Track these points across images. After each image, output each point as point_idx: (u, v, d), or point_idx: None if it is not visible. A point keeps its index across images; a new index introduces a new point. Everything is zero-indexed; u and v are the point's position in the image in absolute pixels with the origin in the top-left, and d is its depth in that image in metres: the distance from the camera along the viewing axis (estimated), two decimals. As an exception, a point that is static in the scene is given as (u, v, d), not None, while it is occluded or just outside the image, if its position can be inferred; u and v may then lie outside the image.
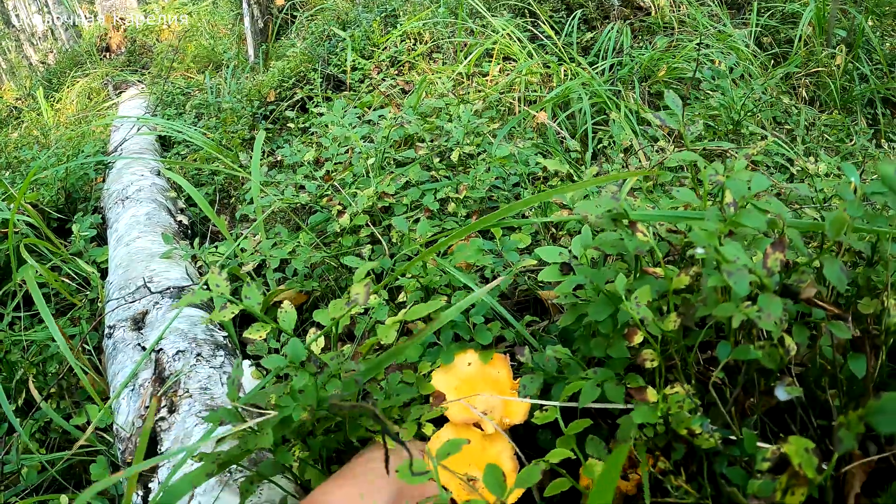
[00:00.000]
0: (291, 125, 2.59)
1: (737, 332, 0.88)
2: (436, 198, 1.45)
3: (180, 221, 2.22)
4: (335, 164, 1.67)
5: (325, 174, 1.68)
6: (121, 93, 6.13)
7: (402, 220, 1.27)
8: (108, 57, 8.10)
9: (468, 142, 1.65)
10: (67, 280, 2.20)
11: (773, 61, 3.35)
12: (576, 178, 1.71)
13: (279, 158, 2.51)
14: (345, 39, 3.17)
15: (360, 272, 1.10)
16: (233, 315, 0.91)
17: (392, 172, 1.52)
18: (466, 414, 0.98)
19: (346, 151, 1.71)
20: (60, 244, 2.32)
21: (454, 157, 1.56)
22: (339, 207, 1.47)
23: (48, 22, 17.90)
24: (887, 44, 3.58)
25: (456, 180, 1.56)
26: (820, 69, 3.21)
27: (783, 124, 2.44)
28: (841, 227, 0.77)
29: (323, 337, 1.06)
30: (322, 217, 1.51)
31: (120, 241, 2.06)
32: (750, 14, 3.75)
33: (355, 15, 3.56)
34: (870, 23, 3.59)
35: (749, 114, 2.10)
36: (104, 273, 2.23)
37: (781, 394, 0.80)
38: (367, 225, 1.35)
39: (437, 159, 1.63)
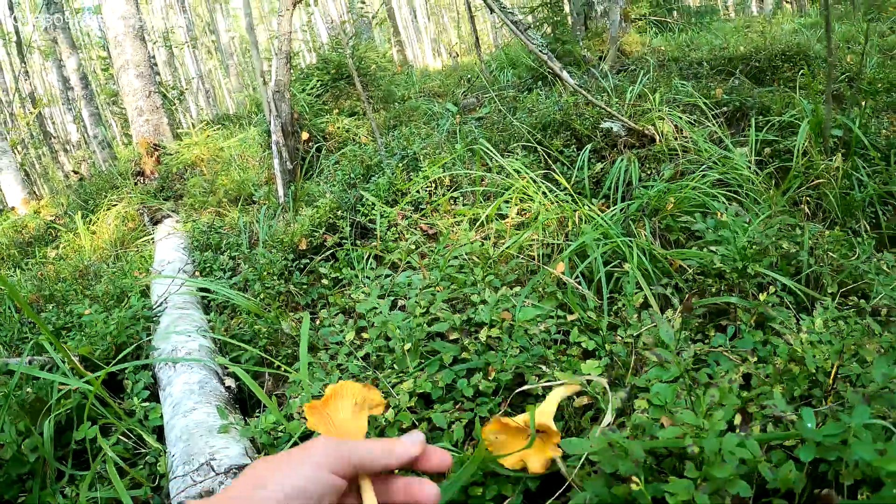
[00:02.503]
0: (325, 281, 2.78)
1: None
2: (469, 383, 1.61)
3: (229, 387, 2.39)
4: (374, 346, 1.84)
5: (365, 355, 1.85)
6: (156, 222, 6.45)
7: (441, 416, 1.44)
8: (142, 181, 8.46)
9: (495, 318, 1.81)
10: (123, 438, 2.36)
11: (773, 181, 3.52)
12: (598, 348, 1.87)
13: (316, 316, 2.70)
14: (370, 188, 3.40)
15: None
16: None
17: (423, 360, 1.69)
18: None
19: (381, 335, 1.89)
20: (116, 403, 2.49)
21: (482, 337, 1.73)
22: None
23: (81, 130, 18.74)
24: (883, 132, 3.75)
25: (484, 359, 1.72)
26: (820, 181, 3.38)
27: (790, 258, 2.59)
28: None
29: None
30: (366, 403, 1.67)
31: (177, 409, 2.22)
32: (748, 129, 3.97)
33: (378, 160, 3.82)
34: (865, 103, 3.78)
35: (753, 261, 2.26)
36: (158, 432, 2.39)
37: None
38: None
39: (466, 339, 1.79)
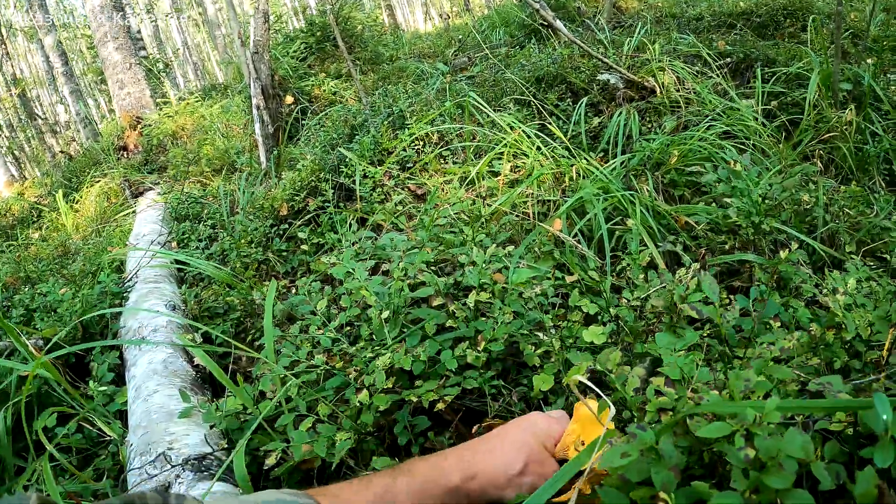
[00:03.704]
0: (305, 247, 2.57)
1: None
2: (453, 354, 1.41)
3: (197, 365, 2.19)
4: (349, 316, 1.64)
5: (340, 326, 1.64)
6: (138, 196, 6.22)
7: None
8: (125, 156, 8.21)
9: (486, 280, 1.61)
10: (87, 425, 2.17)
11: (783, 134, 3.31)
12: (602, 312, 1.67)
13: (294, 284, 2.49)
14: (354, 148, 3.18)
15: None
16: None
17: (405, 331, 1.49)
18: None
19: (359, 303, 1.68)
20: (78, 391, 2.29)
21: (470, 302, 1.53)
22: (356, 374, 1.43)
23: (68, 111, 18.49)
24: (893, 88, 3.54)
25: (473, 327, 1.52)
26: (832, 134, 3.17)
27: (804, 214, 2.39)
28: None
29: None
30: (339, 381, 1.47)
31: (139, 393, 2.02)
32: (753, 81, 3.73)
33: (363, 119, 3.59)
34: (870, 60, 3.56)
35: (769, 215, 2.05)
36: (123, 415, 2.20)
37: None
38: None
39: (452, 304, 1.59)
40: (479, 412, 1.51)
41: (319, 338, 1.61)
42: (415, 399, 1.35)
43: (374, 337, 1.60)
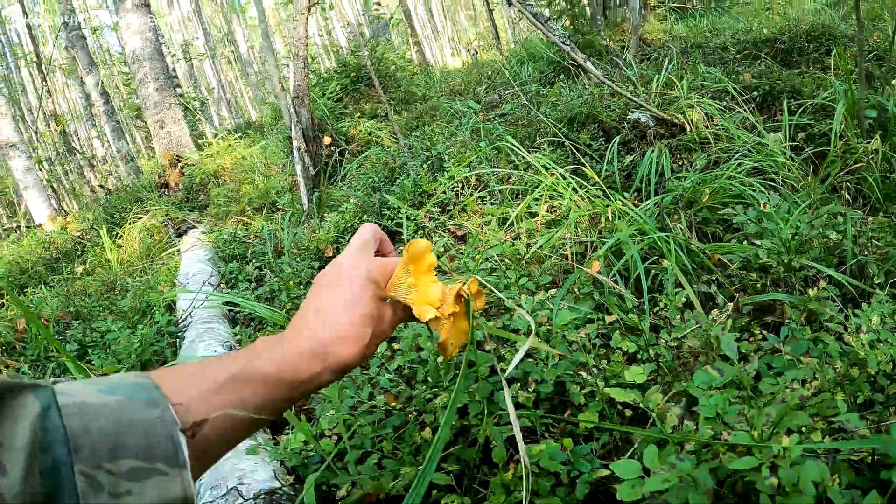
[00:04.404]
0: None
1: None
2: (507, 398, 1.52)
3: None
4: (406, 360, 1.76)
5: (396, 368, 1.77)
6: (181, 234, 6.43)
7: (479, 431, 1.36)
8: (166, 193, 8.48)
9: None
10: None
11: (810, 166, 3.39)
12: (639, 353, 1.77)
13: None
14: (395, 191, 3.33)
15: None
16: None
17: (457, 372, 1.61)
18: None
19: (413, 347, 1.81)
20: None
21: (519, 346, 1.64)
22: (416, 414, 1.55)
23: (106, 145, 18.97)
24: None
25: (522, 369, 1.63)
26: (859, 165, 3.24)
27: (833, 248, 2.47)
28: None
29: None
30: (400, 420, 1.59)
31: (205, 429, 2.16)
32: (780, 114, 3.83)
33: (402, 161, 3.74)
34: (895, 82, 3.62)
35: (798, 253, 2.15)
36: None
37: None
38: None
39: (502, 348, 1.70)
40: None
41: (378, 379, 1.73)
42: (482, 437, 1.46)
43: (429, 378, 1.72)
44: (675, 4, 12.10)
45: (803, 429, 1.09)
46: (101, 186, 16.96)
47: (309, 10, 4.86)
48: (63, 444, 0.57)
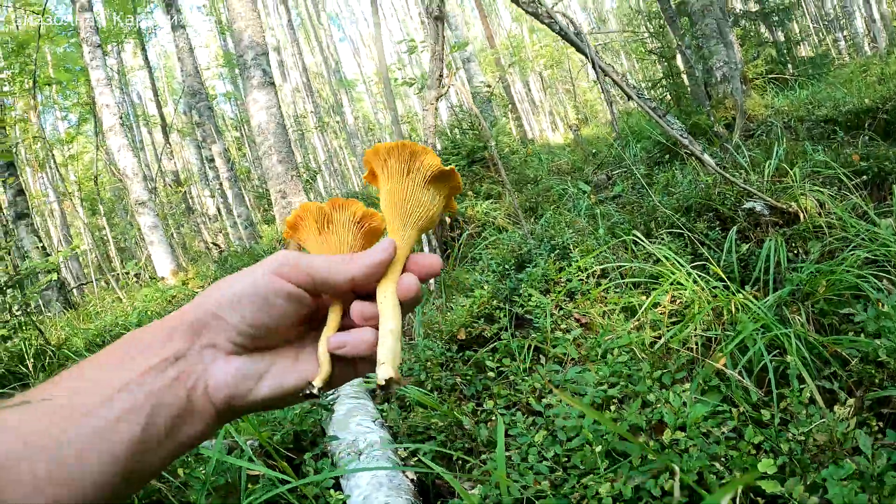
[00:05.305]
0: (490, 373, 3.02)
1: None
2: (656, 484, 1.79)
3: (412, 480, 2.62)
4: (565, 449, 2.05)
5: (553, 455, 2.05)
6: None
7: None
8: (287, 260, 9.04)
9: (681, 418, 1.99)
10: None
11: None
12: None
13: (483, 409, 2.92)
14: (524, 279, 3.65)
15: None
16: None
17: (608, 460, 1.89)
18: None
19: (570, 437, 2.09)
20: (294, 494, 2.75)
21: (665, 439, 1.90)
22: (578, 498, 1.83)
23: (217, 205, 20.23)
24: None
25: (666, 459, 1.89)
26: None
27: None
28: None
29: None
30: None
31: (367, 501, 2.46)
32: (891, 197, 3.97)
33: (527, 249, 4.08)
34: None
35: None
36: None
37: None
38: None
39: (650, 440, 1.97)
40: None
41: (538, 467, 2.03)
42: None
43: (582, 465, 2.00)
44: (773, 76, 12.19)
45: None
46: (213, 244, 18.11)
47: (437, 100, 5.33)
48: None
